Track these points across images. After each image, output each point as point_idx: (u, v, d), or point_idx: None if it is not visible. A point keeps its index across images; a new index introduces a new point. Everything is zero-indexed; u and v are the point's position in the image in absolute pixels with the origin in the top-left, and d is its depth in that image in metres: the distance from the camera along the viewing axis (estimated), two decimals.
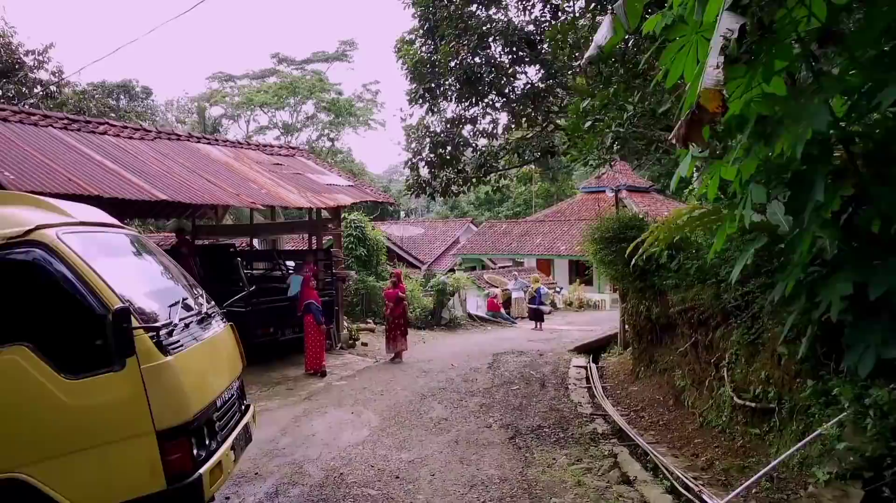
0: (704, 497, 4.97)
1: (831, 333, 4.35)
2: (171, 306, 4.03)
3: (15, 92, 16.87)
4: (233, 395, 4.59)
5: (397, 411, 8.22)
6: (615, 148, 6.45)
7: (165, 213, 15.72)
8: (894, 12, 2.73)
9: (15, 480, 3.22)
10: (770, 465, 4.64)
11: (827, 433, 4.63)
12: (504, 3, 11.27)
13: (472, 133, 12.67)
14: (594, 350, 13.66)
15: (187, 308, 4.31)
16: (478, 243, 33.97)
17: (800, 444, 4.61)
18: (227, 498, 5.37)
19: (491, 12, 11.13)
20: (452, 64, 10.99)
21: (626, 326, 11.46)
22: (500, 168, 12.98)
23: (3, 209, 3.75)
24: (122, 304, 3.39)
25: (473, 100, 11.52)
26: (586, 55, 3.84)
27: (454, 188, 12.74)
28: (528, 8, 11.08)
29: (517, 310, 22.81)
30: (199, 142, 13.12)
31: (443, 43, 10.80)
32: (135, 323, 3.45)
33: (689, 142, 2.60)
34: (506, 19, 11.03)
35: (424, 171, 12.94)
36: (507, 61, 11.17)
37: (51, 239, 3.49)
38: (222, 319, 4.95)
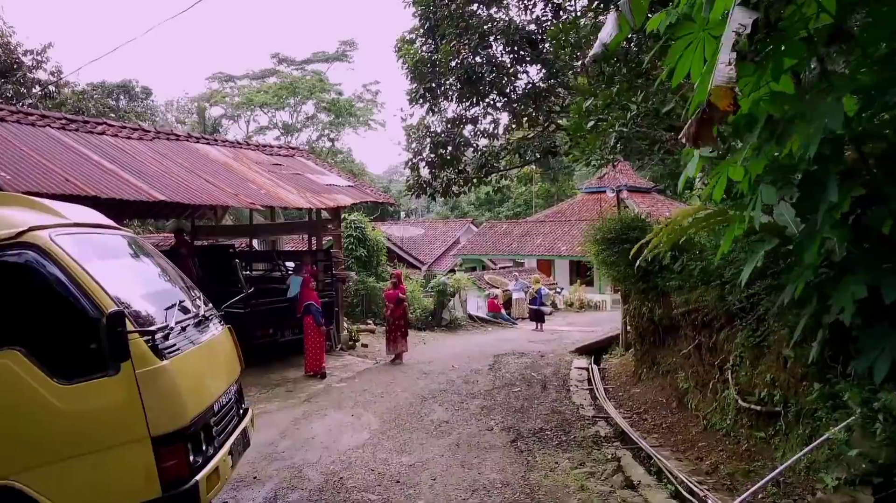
0: (710, 502, 4.90)
1: (838, 336, 4.28)
2: (167, 309, 3.96)
3: (13, 92, 16.80)
4: (230, 399, 4.52)
5: (398, 413, 8.14)
6: (618, 148, 6.37)
7: (164, 213, 15.65)
8: None
9: (7, 488, 3.14)
10: (777, 470, 4.56)
11: (835, 437, 4.56)
12: (505, 2, 11.20)
13: (472, 133, 12.59)
14: (595, 351, 13.57)
15: (184, 311, 4.24)
16: (478, 244, 33.90)
17: (807, 449, 4.53)
18: None
19: (492, 11, 11.05)
20: (453, 63, 10.91)
21: (629, 328, 11.38)
22: (502, 168, 12.91)
23: None
24: (116, 308, 3.32)
25: (474, 99, 11.44)
26: (591, 53, 3.77)
27: (455, 188, 12.66)
28: (530, 7, 11.00)
29: (518, 311, 22.74)
30: (197, 142, 13.04)
31: (443, 42, 10.72)
32: (130, 326, 3.37)
33: (699, 141, 2.53)
34: (507, 18, 10.95)
35: (425, 172, 12.86)
36: (508, 61, 11.10)
37: (44, 241, 3.42)
38: (220, 322, 4.87)
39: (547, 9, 10.67)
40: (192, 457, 3.59)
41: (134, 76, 51.98)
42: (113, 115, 23.75)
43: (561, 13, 10.26)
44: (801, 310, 4.87)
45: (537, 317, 19.28)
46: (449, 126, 12.14)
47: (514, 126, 12.79)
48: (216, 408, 4.08)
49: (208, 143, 13.25)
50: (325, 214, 13.74)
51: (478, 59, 10.82)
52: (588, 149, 6.55)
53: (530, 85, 11.41)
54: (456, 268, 28.87)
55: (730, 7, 2.72)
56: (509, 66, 11.16)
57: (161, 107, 45.31)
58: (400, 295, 12.30)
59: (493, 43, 10.88)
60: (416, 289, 18.85)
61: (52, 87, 17.83)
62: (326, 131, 47.27)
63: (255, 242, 18.66)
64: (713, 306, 6.91)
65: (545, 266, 31.51)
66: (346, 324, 14.06)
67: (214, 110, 47.76)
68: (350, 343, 13.51)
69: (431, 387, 9.75)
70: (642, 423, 7.75)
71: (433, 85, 11.28)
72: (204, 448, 3.77)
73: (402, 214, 55.08)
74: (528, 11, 10.97)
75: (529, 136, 12.35)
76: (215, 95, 46.77)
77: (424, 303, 18.70)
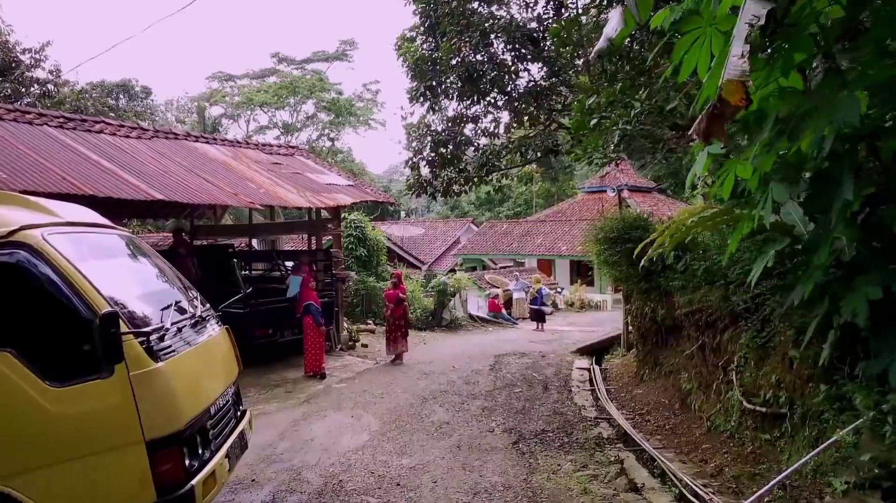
0: None
1: (845, 337, 4.20)
2: (163, 310, 3.88)
3: (11, 91, 16.71)
4: (228, 401, 4.44)
5: (398, 415, 8.07)
6: (621, 146, 6.29)
7: (163, 213, 15.59)
8: None
9: None
10: (784, 473, 4.48)
11: (843, 440, 4.48)
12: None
13: (473, 132, 12.50)
14: (597, 351, 13.50)
15: (181, 311, 4.16)
16: (478, 243, 33.82)
17: (815, 451, 4.45)
18: None
19: (493, 9, 10.96)
20: (454, 62, 10.83)
21: (630, 328, 11.31)
22: (503, 167, 12.82)
23: None
24: (110, 308, 3.24)
25: (475, 98, 11.35)
26: (595, 48, 3.70)
27: (455, 188, 12.57)
28: (531, 5, 10.92)
29: (518, 311, 22.67)
30: (196, 141, 12.96)
31: (444, 40, 10.63)
32: (123, 327, 3.29)
33: (710, 137, 2.45)
34: (508, 16, 10.86)
35: (425, 171, 12.78)
36: (509, 59, 11.01)
37: (36, 240, 3.34)
38: (218, 322, 4.79)
39: (549, 6, 10.60)
40: (187, 461, 3.51)
41: (134, 76, 51.96)
42: (112, 114, 23.67)
43: (563, 10, 10.17)
44: (809, 311, 4.81)
45: (538, 317, 19.21)
46: (450, 125, 12.05)
47: (514, 125, 12.71)
48: (213, 411, 4.00)
49: (207, 142, 13.17)
50: (324, 214, 13.66)
51: (479, 57, 10.74)
52: (591, 147, 6.47)
53: (532, 83, 11.33)
54: (456, 268, 28.78)
55: (739, 1, 2.64)
56: (510, 63, 11.08)
57: (161, 106, 45.32)
58: (400, 295, 12.23)
59: (493, 41, 10.79)
60: (417, 288, 18.78)
61: (50, 86, 17.74)
62: (326, 131, 47.22)
63: (254, 242, 18.59)
64: (717, 306, 6.84)
65: (546, 266, 31.43)
66: (345, 325, 13.98)
67: (214, 110, 47.76)
68: (350, 343, 13.44)
69: (432, 387, 9.68)
70: (645, 425, 7.68)
71: (434, 83, 11.19)
72: (200, 451, 3.69)
73: (403, 214, 55.01)
74: (530, 9, 10.89)
75: (531, 135, 12.26)
76: (215, 95, 46.71)
77: (425, 303, 18.63)
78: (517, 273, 26.92)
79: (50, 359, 3.22)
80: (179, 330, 3.89)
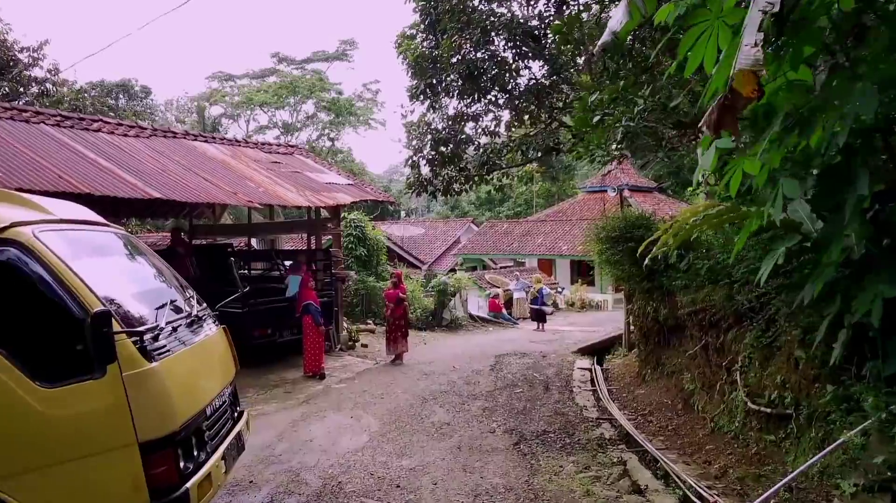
0: None
1: (853, 337, 4.12)
2: (158, 309, 3.80)
3: (10, 90, 16.62)
4: (224, 402, 4.36)
5: (398, 415, 7.99)
6: (624, 144, 6.21)
7: (162, 212, 15.51)
8: None
9: None
10: (791, 475, 4.40)
11: (850, 442, 4.40)
12: None
13: (474, 130, 12.42)
14: (598, 351, 13.43)
15: (176, 310, 4.08)
16: (479, 243, 33.74)
17: (822, 453, 4.36)
18: None
19: (493, 6, 10.87)
20: (454, 60, 10.75)
21: (632, 328, 11.23)
22: (503, 166, 12.73)
23: None
24: (102, 307, 3.15)
25: (476, 96, 11.26)
26: (599, 42, 3.62)
27: (456, 186, 12.48)
28: (532, 2, 10.83)
29: (519, 311, 22.60)
30: (195, 140, 12.88)
31: (444, 37, 10.54)
32: (116, 327, 3.21)
33: (721, 129, 2.37)
34: (509, 13, 10.77)
35: (425, 170, 12.70)
36: (510, 56, 10.92)
37: (27, 237, 3.25)
38: (214, 322, 4.71)
39: (550, 3, 10.51)
40: (182, 464, 3.43)
41: (133, 75, 51.85)
42: (112, 113, 23.59)
43: (564, 8, 10.08)
44: (816, 310, 4.73)
45: (539, 316, 19.14)
46: (450, 123, 11.96)
47: (515, 123, 12.63)
48: (209, 412, 3.92)
49: (206, 141, 13.09)
50: (324, 213, 13.59)
51: (479, 54, 10.65)
52: (594, 143, 6.38)
53: (533, 81, 11.24)
54: (456, 268, 28.71)
55: None
56: (511, 61, 10.99)
57: (161, 106, 45.25)
58: (400, 294, 12.15)
59: (494, 38, 10.70)
60: (417, 288, 18.71)
61: (49, 85, 17.65)
62: (326, 130, 47.17)
63: (253, 241, 18.51)
64: (721, 306, 6.76)
65: (546, 265, 31.35)
66: (345, 324, 13.91)
67: (214, 109, 47.70)
68: (350, 343, 13.36)
69: (432, 388, 9.60)
70: (647, 425, 7.60)
71: (434, 81, 11.11)
72: (195, 453, 3.61)
73: (403, 214, 54.94)
74: (531, 6, 10.80)
75: (532, 133, 12.18)
76: (215, 95, 46.65)
77: (425, 302, 18.56)
78: (517, 273, 26.85)
79: (41, 359, 3.13)
80: (175, 329, 3.81)
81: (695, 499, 5.08)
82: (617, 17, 3.59)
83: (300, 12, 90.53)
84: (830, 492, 4.56)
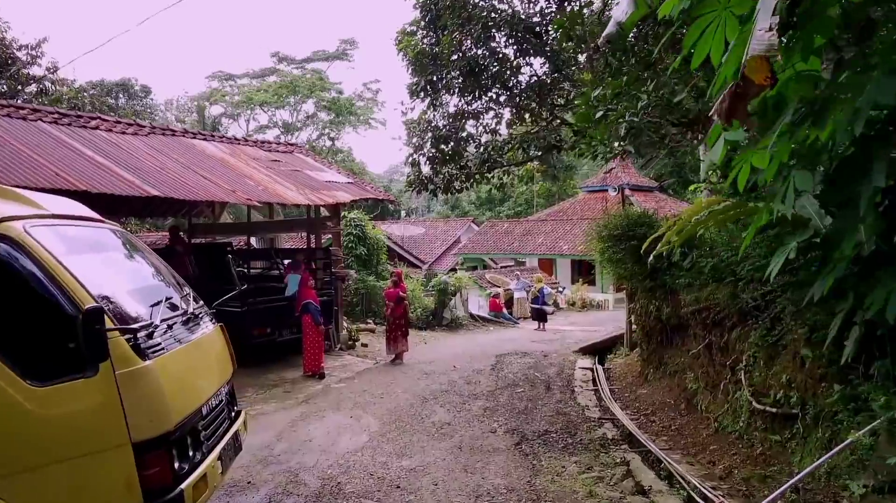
0: None
1: (862, 335, 4.04)
2: (152, 306, 3.71)
3: (8, 88, 16.54)
4: (221, 401, 4.27)
5: (398, 415, 7.91)
6: (627, 140, 6.13)
7: (161, 211, 15.46)
8: None
9: None
10: (798, 476, 4.32)
11: (859, 442, 4.32)
12: None
13: (475, 128, 12.34)
14: (599, 351, 13.34)
15: (172, 308, 4.00)
16: (479, 243, 33.66)
17: (830, 453, 4.28)
18: None
19: (494, 2, 10.77)
20: (454, 57, 10.67)
21: (634, 327, 11.14)
22: (504, 164, 12.64)
23: None
24: (94, 304, 3.07)
25: (476, 93, 11.17)
26: (604, 33, 3.54)
27: (457, 184, 12.39)
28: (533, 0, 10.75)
29: (519, 311, 22.54)
30: (194, 137, 12.81)
31: (445, 34, 10.46)
32: (109, 324, 3.13)
33: (732, 118, 2.28)
34: (510, 10, 10.66)
35: (426, 168, 12.62)
36: (511, 53, 10.84)
37: (17, 232, 3.17)
38: (212, 320, 4.63)
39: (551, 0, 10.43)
40: (177, 464, 3.35)
41: (133, 75, 51.73)
42: (112, 113, 23.49)
43: (566, 4, 10.00)
44: (824, 307, 4.65)
45: (539, 316, 19.07)
46: (450, 120, 11.87)
47: (516, 122, 12.54)
48: (205, 411, 3.83)
49: (205, 139, 13.02)
50: (324, 212, 13.51)
51: (480, 51, 10.57)
52: (597, 139, 6.30)
53: (534, 77, 11.15)
54: (457, 267, 28.64)
55: None
56: (512, 58, 10.90)
57: (161, 105, 45.18)
58: (400, 293, 12.08)
59: (495, 34, 10.61)
60: (417, 288, 18.65)
61: (47, 83, 17.56)
62: (327, 130, 47.12)
63: (253, 240, 18.45)
64: (725, 304, 6.68)
65: (547, 265, 31.28)
66: (345, 324, 13.83)
67: (214, 109, 47.65)
68: (349, 343, 13.29)
69: (432, 387, 9.52)
70: (650, 425, 7.52)
71: (434, 78, 11.02)
72: (191, 454, 3.53)
73: (403, 213, 54.86)
74: (532, 3, 10.70)
75: (533, 131, 12.10)
76: (215, 94, 46.60)
77: (425, 302, 18.50)
78: (518, 272, 26.78)
79: (31, 357, 3.05)
80: (170, 327, 3.73)
81: (699, 500, 5.01)
82: (622, 8, 3.52)
83: (300, 12, 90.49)
84: (838, 493, 4.49)
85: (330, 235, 14.62)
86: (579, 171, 43.37)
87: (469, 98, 11.35)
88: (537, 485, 5.50)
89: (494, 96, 11.43)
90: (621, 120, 5.70)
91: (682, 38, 5.97)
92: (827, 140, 2.97)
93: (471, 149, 12.57)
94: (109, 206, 10.19)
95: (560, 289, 27.33)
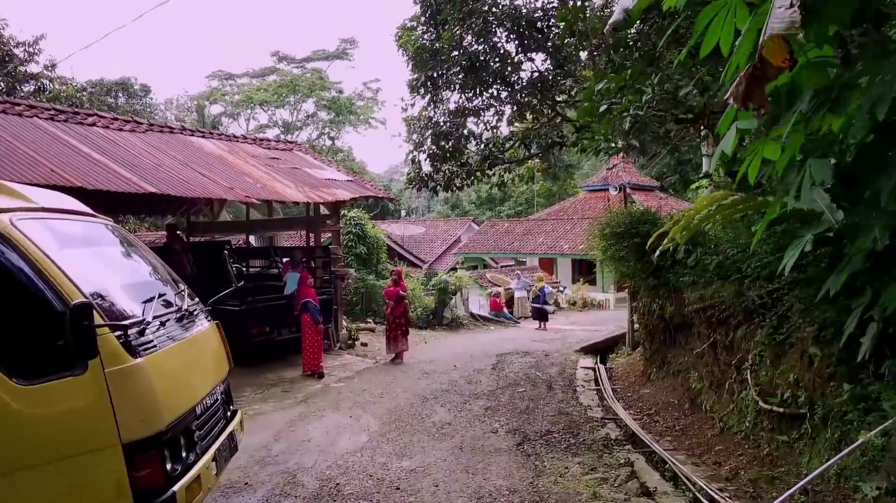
0: None
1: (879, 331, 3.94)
2: (145, 302, 3.61)
3: (5, 85, 16.42)
4: (216, 401, 4.16)
5: (398, 415, 7.80)
6: (631, 134, 6.02)
7: (160, 209, 15.35)
8: None
9: None
10: (809, 477, 4.20)
11: (870, 443, 4.21)
12: None
13: (475, 124, 12.22)
14: (601, 350, 13.24)
15: (166, 304, 3.89)
16: (479, 242, 33.54)
17: (841, 454, 4.17)
18: None
19: None
20: (455, 53, 10.55)
21: (637, 326, 11.04)
22: (506, 160, 12.52)
23: None
24: (83, 299, 2.96)
25: (477, 90, 11.05)
26: (611, 20, 3.43)
27: (457, 182, 12.28)
28: None
29: (520, 310, 22.44)
30: (192, 135, 12.70)
31: (445, 29, 10.34)
32: (99, 320, 3.02)
33: (749, 102, 2.17)
34: (511, 5, 10.54)
35: (426, 165, 12.50)
36: (512, 48, 10.71)
37: (3, 225, 3.06)
38: (207, 317, 4.52)
39: None
40: (169, 466, 3.24)
41: (133, 74, 51.63)
42: (112, 112, 23.35)
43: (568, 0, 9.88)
44: (834, 304, 4.54)
45: (540, 315, 18.97)
46: (451, 117, 11.75)
47: (517, 119, 12.42)
48: (199, 411, 3.73)
49: (203, 137, 12.91)
50: (324, 210, 13.41)
51: (481, 46, 10.44)
52: (599, 135, 6.19)
53: (536, 73, 11.03)
54: (457, 267, 28.53)
55: None
56: (514, 54, 10.78)
57: (160, 105, 45.04)
58: (400, 292, 11.97)
59: (496, 29, 10.49)
60: (417, 287, 18.55)
61: (45, 81, 17.44)
62: (327, 129, 47.02)
63: (252, 239, 18.35)
64: (730, 302, 6.57)
65: (547, 264, 31.16)
66: (345, 323, 13.73)
67: (214, 108, 47.57)
68: (349, 342, 13.19)
69: (433, 387, 9.41)
70: (654, 425, 7.42)
71: (434, 74, 10.90)
72: (184, 455, 3.42)
73: (403, 213, 54.76)
74: None
75: (535, 127, 11.98)
76: (215, 93, 46.50)
77: (425, 301, 18.40)
78: (519, 272, 26.68)
79: (17, 354, 2.94)
80: (163, 324, 3.62)
81: (705, 502, 4.90)
82: None
83: (300, 11, 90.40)
84: (849, 495, 4.38)
85: (330, 234, 14.51)
86: (580, 171, 43.25)
87: (470, 94, 11.23)
88: (540, 487, 5.39)
89: (495, 93, 11.31)
90: (626, 114, 5.59)
91: (686, 32, 5.85)
92: (839, 131, 2.86)
93: (471, 146, 12.45)
94: (108, 204, 10.09)
95: (561, 288, 27.22)
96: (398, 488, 5.39)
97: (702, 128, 7.67)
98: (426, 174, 12.49)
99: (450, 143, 11.61)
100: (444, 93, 11.59)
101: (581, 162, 40.63)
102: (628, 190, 26.71)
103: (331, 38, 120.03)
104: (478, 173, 12.14)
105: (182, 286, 4.44)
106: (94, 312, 2.99)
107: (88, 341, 2.92)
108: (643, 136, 6.03)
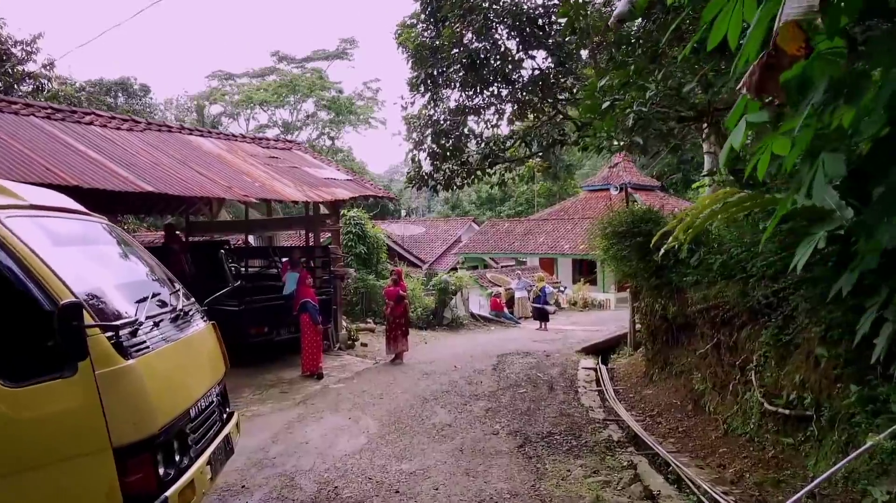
0: None
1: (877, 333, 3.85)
2: (138, 302, 3.52)
3: (2, 84, 16.33)
4: (212, 403, 4.08)
5: (397, 416, 7.71)
6: (636, 131, 5.93)
7: (158, 208, 15.27)
8: None
9: None
10: (817, 481, 4.12)
11: (879, 446, 4.12)
12: None
13: (476, 123, 12.12)
14: (602, 351, 13.14)
15: (160, 304, 3.81)
16: (480, 242, 33.46)
17: (850, 457, 4.08)
18: None
19: None
20: (455, 51, 10.46)
21: (639, 326, 10.95)
22: (506, 159, 12.42)
23: None
24: (72, 299, 2.87)
25: (478, 88, 10.96)
26: (616, 12, 3.35)
27: (458, 181, 12.18)
28: None
29: (521, 310, 22.35)
30: (190, 133, 12.61)
31: (445, 26, 10.25)
32: (89, 320, 2.93)
33: (762, 92, 2.09)
34: (512, 1, 10.44)
35: (426, 165, 12.41)
36: (513, 46, 10.62)
37: None
38: (203, 318, 4.43)
39: None
40: (161, 470, 3.15)
41: (133, 74, 51.50)
42: (110, 111, 23.26)
43: None
44: (841, 305, 4.45)
45: (541, 315, 18.88)
46: (451, 115, 11.66)
47: (517, 117, 12.32)
48: (193, 413, 3.64)
49: (202, 135, 12.82)
50: (323, 210, 13.32)
51: (481, 44, 10.35)
52: (604, 130, 6.11)
53: (537, 71, 10.94)
54: (458, 267, 28.45)
55: None
56: (514, 51, 10.69)
57: (160, 105, 44.97)
58: (400, 292, 11.89)
59: (497, 26, 10.40)
60: (418, 287, 18.47)
61: (43, 80, 17.35)
62: (327, 129, 46.94)
63: (251, 239, 18.26)
64: (734, 302, 6.48)
65: (548, 264, 31.09)
66: (344, 323, 13.64)
67: (214, 108, 47.49)
68: (349, 342, 13.10)
69: (433, 388, 9.32)
70: (656, 427, 7.32)
71: (434, 72, 10.81)
72: (177, 459, 3.33)
73: (403, 213, 54.67)
74: None
75: (536, 126, 11.88)
76: (215, 93, 46.42)
77: (426, 301, 18.31)
78: (519, 272, 26.60)
79: (5, 355, 2.86)
80: (157, 324, 3.53)
81: None
82: None
83: (300, 11, 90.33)
84: (857, 499, 4.29)
85: (329, 234, 14.42)
86: (580, 170, 43.17)
87: (470, 92, 11.14)
88: (542, 490, 5.30)
89: (496, 91, 11.21)
90: (629, 110, 5.50)
91: (689, 28, 5.75)
92: (849, 126, 2.78)
93: (472, 145, 12.36)
94: (106, 203, 10.01)
95: (561, 288, 27.15)
96: (397, 491, 5.30)
97: (704, 126, 7.58)
98: (426, 173, 12.39)
99: (450, 142, 11.52)
100: (444, 91, 11.50)
101: (582, 161, 40.57)
102: (629, 189, 26.66)
103: (331, 38, 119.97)
104: (478, 172, 12.05)
105: (178, 286, 4.35)
106: (85, 312, 2.91)
107: (78, 342, 2.84)
108: (646, 133, 5.95)
